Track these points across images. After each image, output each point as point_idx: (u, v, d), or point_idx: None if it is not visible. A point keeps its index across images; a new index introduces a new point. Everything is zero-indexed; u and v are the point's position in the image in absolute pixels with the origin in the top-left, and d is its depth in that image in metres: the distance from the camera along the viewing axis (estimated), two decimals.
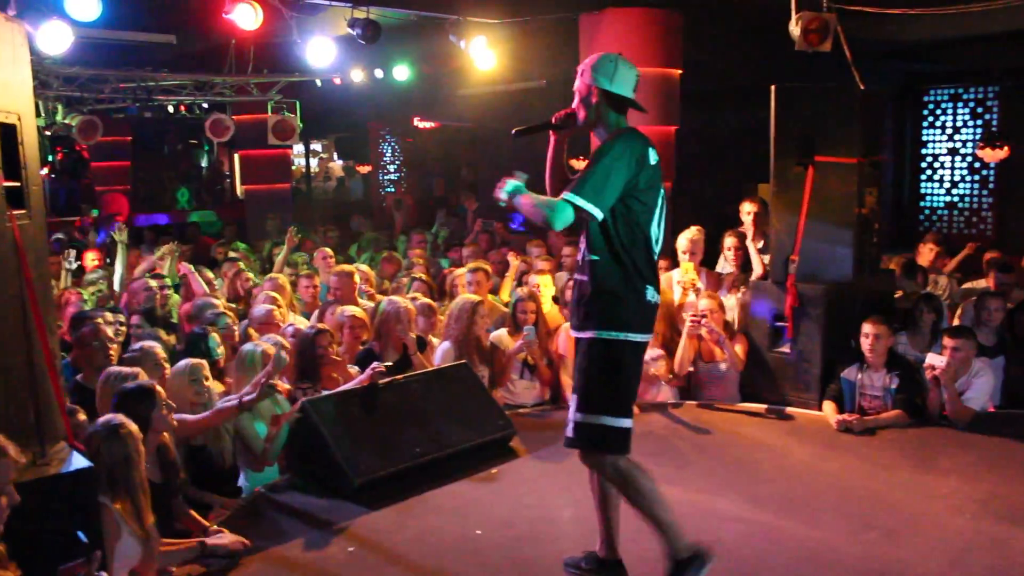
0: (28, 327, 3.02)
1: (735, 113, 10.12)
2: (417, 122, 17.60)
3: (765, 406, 6.25)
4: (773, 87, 6.26)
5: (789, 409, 6.22)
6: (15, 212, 2.98)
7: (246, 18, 6.84)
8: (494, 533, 4.38)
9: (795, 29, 7.12)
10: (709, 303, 6.25)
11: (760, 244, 6.97)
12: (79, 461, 3.11)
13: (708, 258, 7.23)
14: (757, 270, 6.78)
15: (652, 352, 6.10)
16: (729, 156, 10.51)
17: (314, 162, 27.11)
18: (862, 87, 6.63)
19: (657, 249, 3.69)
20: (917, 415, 5.79)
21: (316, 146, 26.89)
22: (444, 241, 11.05)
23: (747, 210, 7.16)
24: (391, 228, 14.10)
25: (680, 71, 8.87)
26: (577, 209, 3.48)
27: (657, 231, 3.66)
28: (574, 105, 3.77)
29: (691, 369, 6.40)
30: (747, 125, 9.70)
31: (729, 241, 7.18)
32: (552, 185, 3.93)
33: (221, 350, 5.86)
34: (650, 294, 3.62)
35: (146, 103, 11.24)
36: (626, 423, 3.60)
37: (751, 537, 4.29)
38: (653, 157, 3.62)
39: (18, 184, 3.02)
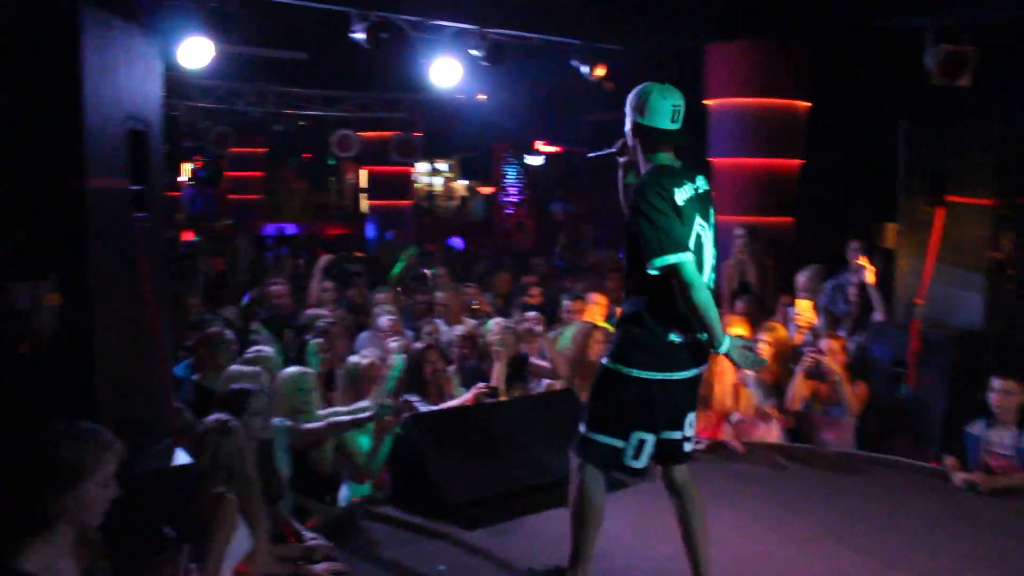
0: (144, 325, 3.14)
1: (862, 148, 9.80)
2: (540, 145, 17.71)
3: (882, 455, 5.96)
4: (901, 123, 6.02)
5: (907, 461, 5.92)
6: (137, 215, 3.12)
7: (370, 38, 6.96)
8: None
9: (931, 62, 6.85)
10: (831, 344, 6.02)
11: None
12: (182, 457, 3.21)
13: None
14: (878, 312, 6.51)
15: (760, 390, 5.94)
16: (852, 193, 10.20)
17: (439, 180, 27.61)
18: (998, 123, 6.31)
19: None
20: None
21: (441, 165, 27.37)
22: (561, 268, 11.07)
23: (853, 247, 6.93)
24: (511, 250, 14.22)
25: (809, 104, 8.64)
26: (679, 267, 3.43)
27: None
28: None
29: (802, 409, 6.18)
30: (874, 160, 9.41)
31: (854, 278, 6.91)
32: (625, 203, 3.87)
33: (318, 359, 5.97)
34: (671, 335, 3.57)
35: (278, 116, 11.69)
36: (611, 442, 3.70)
37: None
38: (683, 195, 3.55)
39: (142, 188, 3.17)
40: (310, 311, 7.02)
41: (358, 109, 11.60)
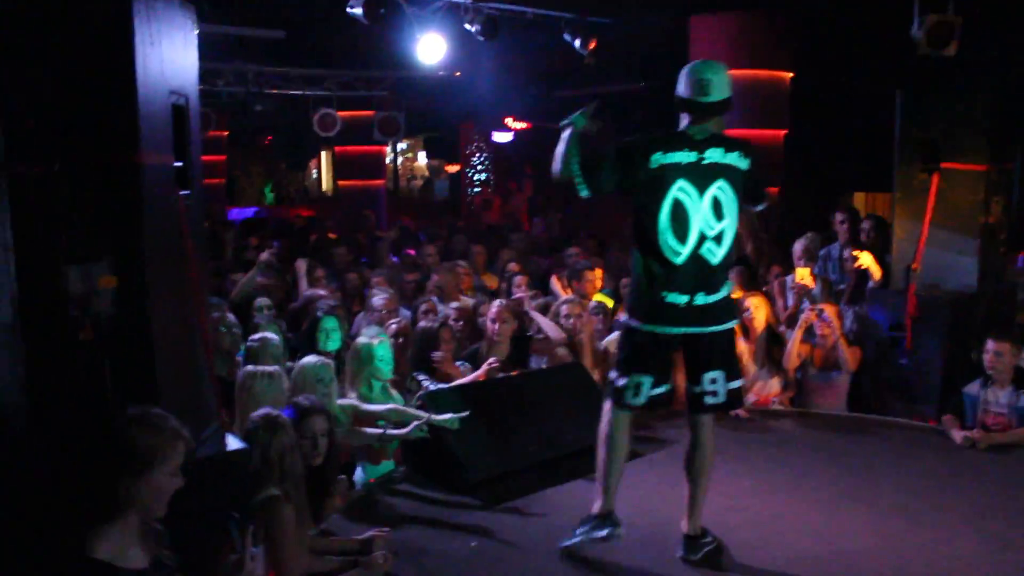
0: (191, 307, 3.10)
1: (847, 118, 9.93)
2: (510, 122, 17.67)
3: (881, 417, 6.10)
4: (898, 92, 6.12)
5: (905, 421, 6.06)
6: (182, 193, 3.07)
7: (371, 12, 6.84)
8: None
9: (918, 32, 6.93)
10: (827, 308, 6.14)
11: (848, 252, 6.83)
12: (233, 443, 3.18)
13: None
14: (875, 277, 6.62)
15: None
16: (837, 162, 10.34)
17: (399, 160, 27.39)
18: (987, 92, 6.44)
19: (680, 251, 3.83)
20: None
21: (401, 144, 27.14)
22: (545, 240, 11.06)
23: (839, 219, 7.06)
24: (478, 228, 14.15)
25: (791, 74, 8.73)
26: (559, 175, 3.91)
27: (671, 235, 3.81)
28: None
29: (797, 375, 6.31)
30: (857, 129, 9.55)
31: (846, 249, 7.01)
32: None
33: (340, 335, 5.93)
34: (656, 289, 3.86)
35: (256, 96, 11.49)
36: (617, 381, 4.06)
37: (881, 549, 4.18)
38: (668, 159, 3.78)
39: (184, 165, 3.11)
40: (307, 292, 6.94)
41: (339, 88, 11.45)
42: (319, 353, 5.25)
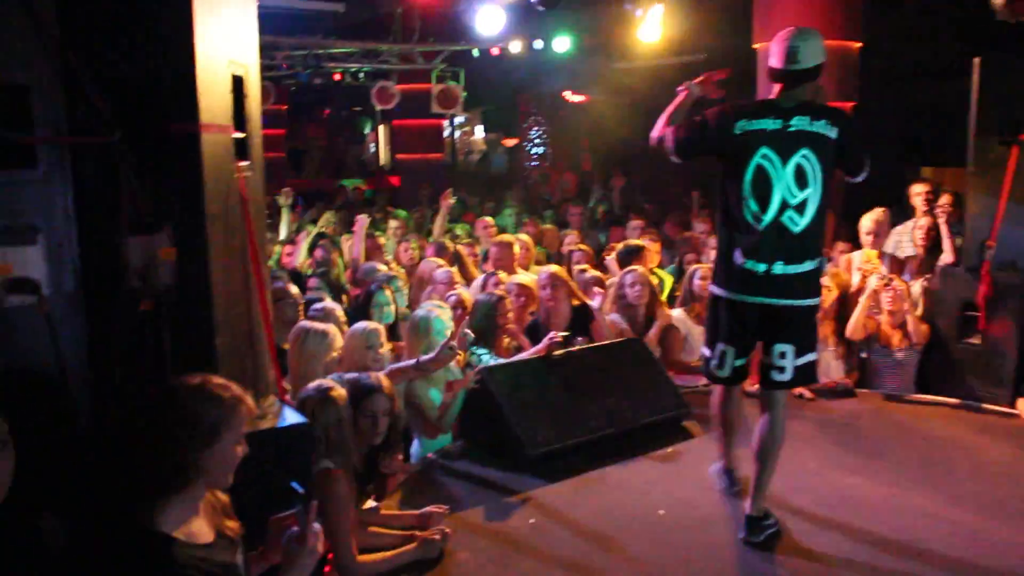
0: (249, 279, 3.08)
1: (918, 90, 9.60)
2: (568, 95, 17.49)
3: (955, 400, 5.89)
4: (977, 59, 5.86)
5: (979, 404, 5.85)
6: (240, 164, 3.04)
7: None
8: (678, 513, 4.29)
9: None
10: (896, 285, 5.95)
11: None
12: (292, 416, 3.16)
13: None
14: (948, 255, 6.39)
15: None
16: (910, 137, 10.02)
17: (456, 134, 27.32)
18: None
19: (762, 218, 3.87)
20: None
21: (459, 118, 27.06)
22: (602, 215, 10.94)
23: (916, 191, 6.81)
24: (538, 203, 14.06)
25: (860, 44, 8.44)
26: (664, 145, 4.02)
27: (754, 202, 3.87)
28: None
29: (863, 352, 6.13)
30: (929, 102, 9.23)
31: (922, 221, 6.78)
32: None
33: (393, 308, 5.94)
34: (738, 259, 3.91)
35: (316, 70, 11.49)
36: (705, 352, 4.23)
37: (954, 537, 4.04)
38: (751, 126, 3.86)
39: (244, 135, 3.07)
40: (366, 264, 6.94)
41: (398, 61, 11.40)
42: None
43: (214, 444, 2.33)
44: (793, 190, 3.83)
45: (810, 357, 4.05)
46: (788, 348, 3.97)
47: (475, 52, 11.37)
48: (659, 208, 10.95)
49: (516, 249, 7.38)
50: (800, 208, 3.85)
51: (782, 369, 3.99)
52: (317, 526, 2.52)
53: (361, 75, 12.81)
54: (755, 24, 8.58)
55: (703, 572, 3.76)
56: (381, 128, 23.55)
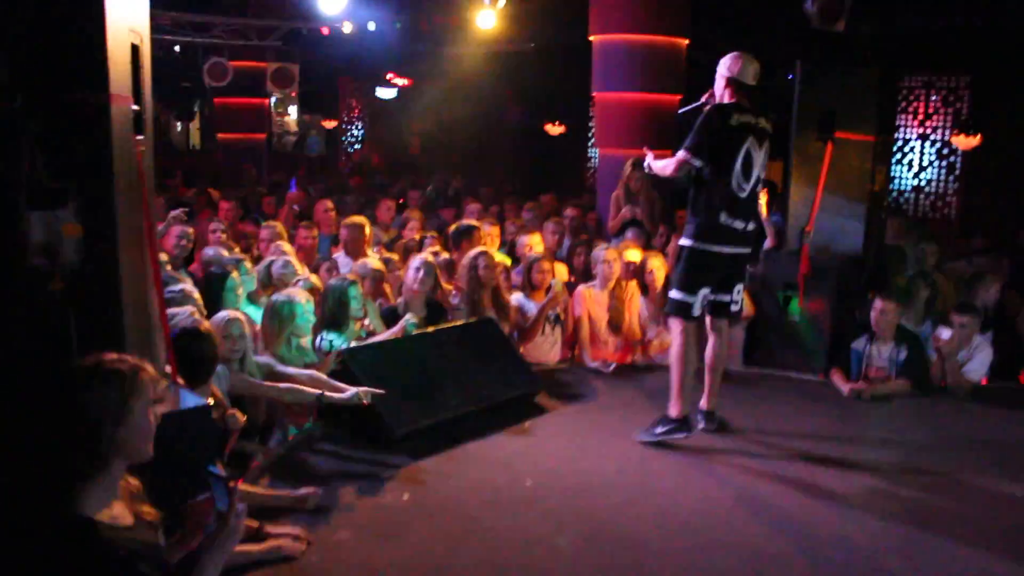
0: (145, 257, 2.97)
1: None
2: (392, 78, 17.41)
3: (774, 371, 6.45)
4: (799, 63, 6.40)
5: (798, 375, 6.43)
6: (138, 138, 2.92)
7: None
8: (547, 484, 4.48)
9: (811, 7, 7.26)
10: None
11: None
12: (192, 399, 3.09)
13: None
14: (769, 240, 6.94)
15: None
16: None
17: None
18: (872, 66, 6.83)
19: (744, 188, 4.95)
20: (919, 385, 6.04)
21: (273, 97, 26.22)
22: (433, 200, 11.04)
23: None
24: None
25: (687, 40, 8.94)
26: (688, 162, 4.95)
27: (742, 176, 4.93)
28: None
29: None
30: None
31: None
32: None
33: (241, 291, 5.83)
34: (724, 219, 4.92)
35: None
36: (684, 298, 5.03)
37: (795, 496, 4.46)
38: (740, 119, 4.93)
39: (139, 109, 2.96)
40: (209, 250, 6.72)
41: (231, 36, 10.99)
42: None
43: (126, 418, 2.30)
44: (762, 169, 5.05)
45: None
46: (740, 286, 5.22)
47: (304, 31, 11.14)
48: (495, 192, 11.18)
49: (368, 231, 7.36)
50: (759, 182, 5.07)
51: (737, 302, 5.23)
52: (241, 506, 2.51)
53: (190, 51, 12.22)
54: (591, 18, 8.91)
55: (579, 535, 3.95)
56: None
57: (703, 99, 5.26)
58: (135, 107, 2.90)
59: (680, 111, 5.66)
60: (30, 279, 2.55)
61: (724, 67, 5.10)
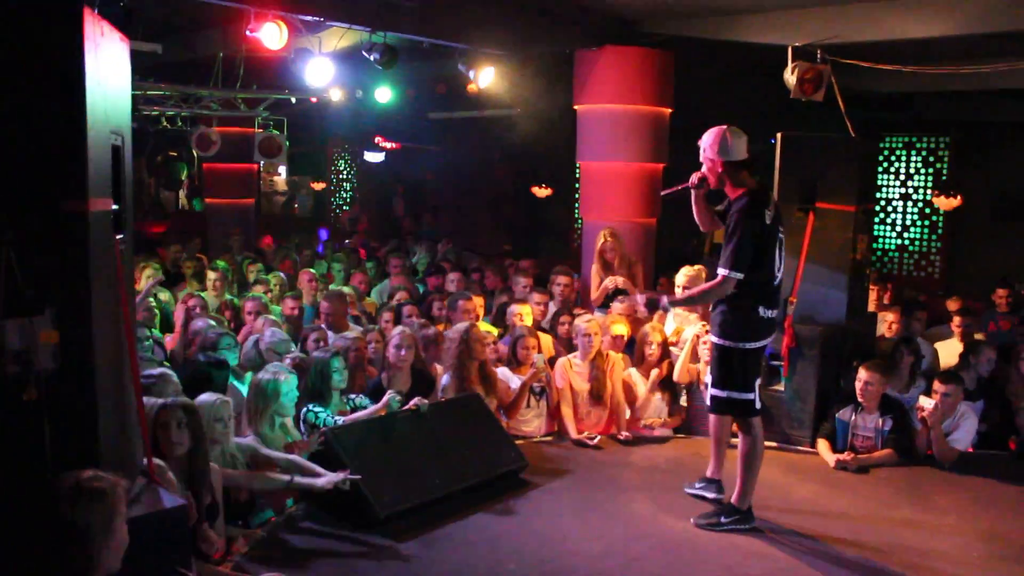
0: (124, 354, 2.95)
1: None
2: (380, 141, 17.55)
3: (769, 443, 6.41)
4: (780, 134, 6.48)
5: (785, 446, 6.40)
6: (117, 237, 2.92)
7: (272, 38, 6.67)
8: (529, 568, 4.43)
9: (791, 78, 7.40)
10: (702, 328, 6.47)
11: None
12: (168, 499, 3.03)
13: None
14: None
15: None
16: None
17: None
18: (854, 136, 6.93)
19: (776, 276, 4.99)
20: (905, 455, 6.04)
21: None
22: (424, 268, 11.07)
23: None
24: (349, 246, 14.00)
25: (671, 110, 9.06)
26: (730, 279, 4.82)
27: (774, 265, 4.96)
28: (704, 172, 5.02)
29: (688, 398, 6.62)
30: None
31: None
32: (702, 222, 5.32)
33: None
34: (763, 312, 4.93)
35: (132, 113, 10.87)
36: (745, 396, 5.03)
37: (778, 573, 4.42)
38: (770, 214, 4.90)
39: (120, 208, 2.96)
40: (200, 322, 6.70)
41: (218, 107, 11.09)
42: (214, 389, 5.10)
43: (112, 535, 2.35)
44: (782, 259, 5.03)
45: None
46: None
47: (293, 100, 11.26)
48: (482, 259, 11.21)
49: (347, 302, 7.37)
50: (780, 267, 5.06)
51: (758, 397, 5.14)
52: None
53: (179, 121, 12.32)
54: (576, 88, 9.03)
55: None
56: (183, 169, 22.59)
57: (694, 180, 5.09)
58: (115, 207, 2.90)
59: (663, 192, 5.58)
60: (3, 388, 2.52)
61: (712, 150, 4.93)
